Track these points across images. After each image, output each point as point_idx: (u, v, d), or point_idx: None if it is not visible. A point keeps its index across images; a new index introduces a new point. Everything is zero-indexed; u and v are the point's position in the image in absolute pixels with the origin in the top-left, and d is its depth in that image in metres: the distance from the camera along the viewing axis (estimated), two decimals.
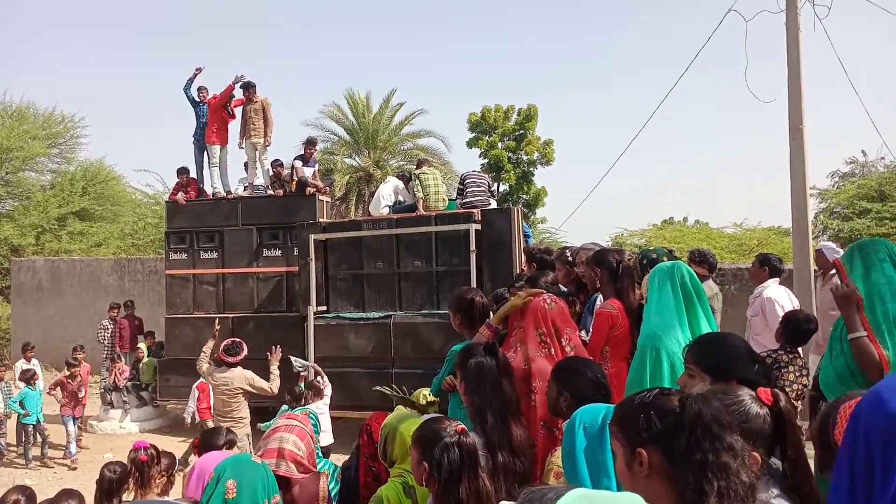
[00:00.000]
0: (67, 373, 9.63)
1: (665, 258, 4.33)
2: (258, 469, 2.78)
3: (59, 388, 9.40)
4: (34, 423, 9.42)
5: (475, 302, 3.86)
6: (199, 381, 8.55)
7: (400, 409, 3.17)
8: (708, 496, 1.48)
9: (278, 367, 7.21)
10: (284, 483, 3.01)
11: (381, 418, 3.24)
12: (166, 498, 3.83)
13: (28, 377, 9.69)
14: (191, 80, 11.53)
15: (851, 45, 40.76)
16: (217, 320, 8.35)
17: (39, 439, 9.66)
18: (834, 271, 5.81)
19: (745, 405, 1.91)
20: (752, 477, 1.55)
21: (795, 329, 4.50)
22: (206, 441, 4.65)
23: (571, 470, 2.13)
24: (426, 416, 3.20)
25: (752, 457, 1.66)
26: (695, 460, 1.51)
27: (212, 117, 11.33)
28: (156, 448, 4.04)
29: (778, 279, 5.91)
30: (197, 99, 11.48)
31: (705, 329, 3.24)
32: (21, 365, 10.49)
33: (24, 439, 9.45)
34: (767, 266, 5.90)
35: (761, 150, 50.59)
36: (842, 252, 6.29)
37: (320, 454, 3.51)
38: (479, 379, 2.90)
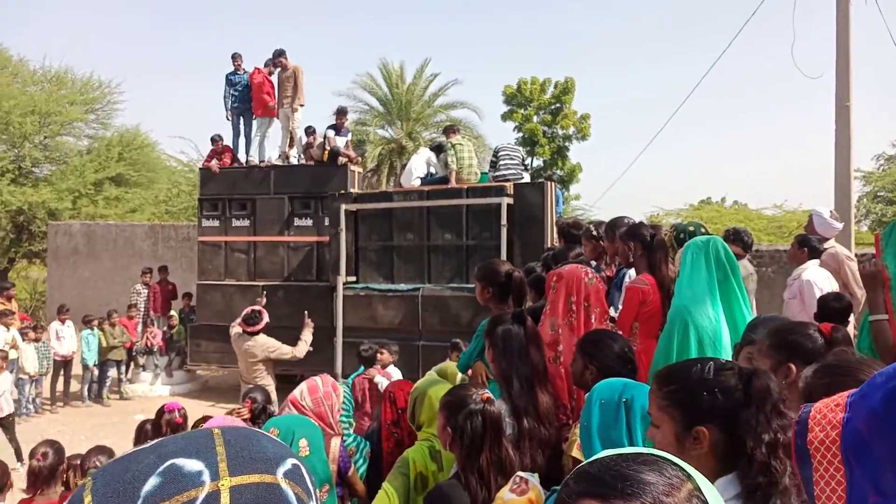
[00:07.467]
0: None
1: (703, 231, 4.24)
2: (318, 429, 2.89)
3: None
4: None
5: (514, 276, 3.67)
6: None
7: (430, 375, 3.16)
8: (780, 476, 1.44)
9: (311, 334, 7.16)
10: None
11: (404, 385, 3.24)
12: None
13: None
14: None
15: None
16: (263, 293, 8.31)
17: None
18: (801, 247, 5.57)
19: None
20: None
21: (824, 309, 4.29)
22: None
23: (588, 446, 2.11)
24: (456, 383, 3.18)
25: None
26: (761, 439, 1.47)
27: (258, 88, 11.27)
28: (185, 410, 4.08)
29: (818, 261, 5.70)
30: (233, 67, 11.49)
31: (738, 305, 3.15)
32: (55, 326, 10.68)
33: None
34: (807, 247, 5.66)
35: (804, 130, 49.40)
36: (834, 223, 6.04)
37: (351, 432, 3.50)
38: (507, 346, 2.86)
